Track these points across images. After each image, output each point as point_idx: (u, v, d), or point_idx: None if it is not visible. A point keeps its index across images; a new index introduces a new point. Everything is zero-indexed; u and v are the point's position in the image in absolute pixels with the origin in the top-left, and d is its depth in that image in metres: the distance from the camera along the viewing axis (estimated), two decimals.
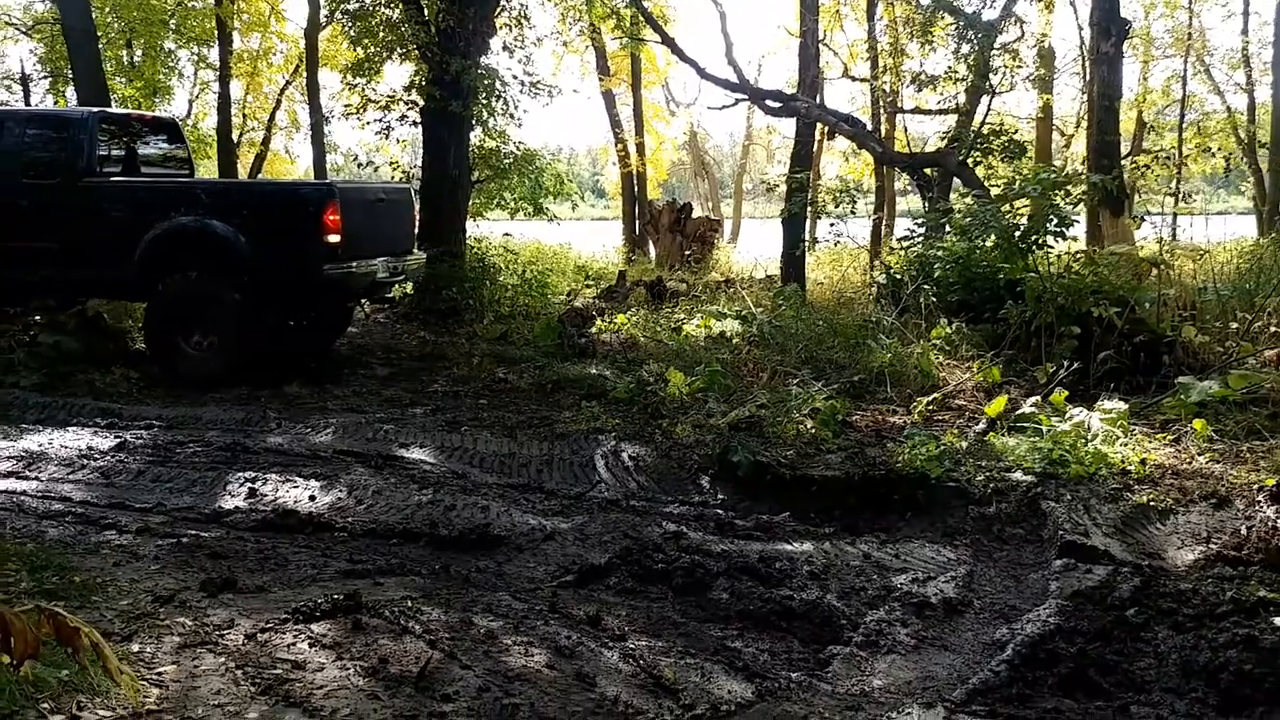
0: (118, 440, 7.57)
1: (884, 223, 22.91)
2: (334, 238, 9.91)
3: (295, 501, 6.28)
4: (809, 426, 8.11)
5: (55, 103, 21.45)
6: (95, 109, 11.73)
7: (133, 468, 6.92)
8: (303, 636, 4.08)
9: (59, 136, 10.86)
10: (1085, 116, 20.23)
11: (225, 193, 11.17)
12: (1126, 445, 7.23)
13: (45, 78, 21.91)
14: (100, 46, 18.36)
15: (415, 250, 12.26)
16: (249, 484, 6.55)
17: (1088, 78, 20.30)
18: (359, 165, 19.84)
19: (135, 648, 3.89)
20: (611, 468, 7.34)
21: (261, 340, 10.36)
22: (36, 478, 6.67)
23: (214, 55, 25.18)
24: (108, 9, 21.21)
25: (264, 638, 4.06)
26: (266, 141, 29.09)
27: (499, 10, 15.59)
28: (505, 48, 16.51)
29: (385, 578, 5.00)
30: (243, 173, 26.31)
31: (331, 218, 9.90)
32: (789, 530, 6.24)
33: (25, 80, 21.05)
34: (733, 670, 4.20)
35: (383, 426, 8.31)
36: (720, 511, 6.63)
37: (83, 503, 6.12)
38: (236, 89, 28.36)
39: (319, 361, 11.19)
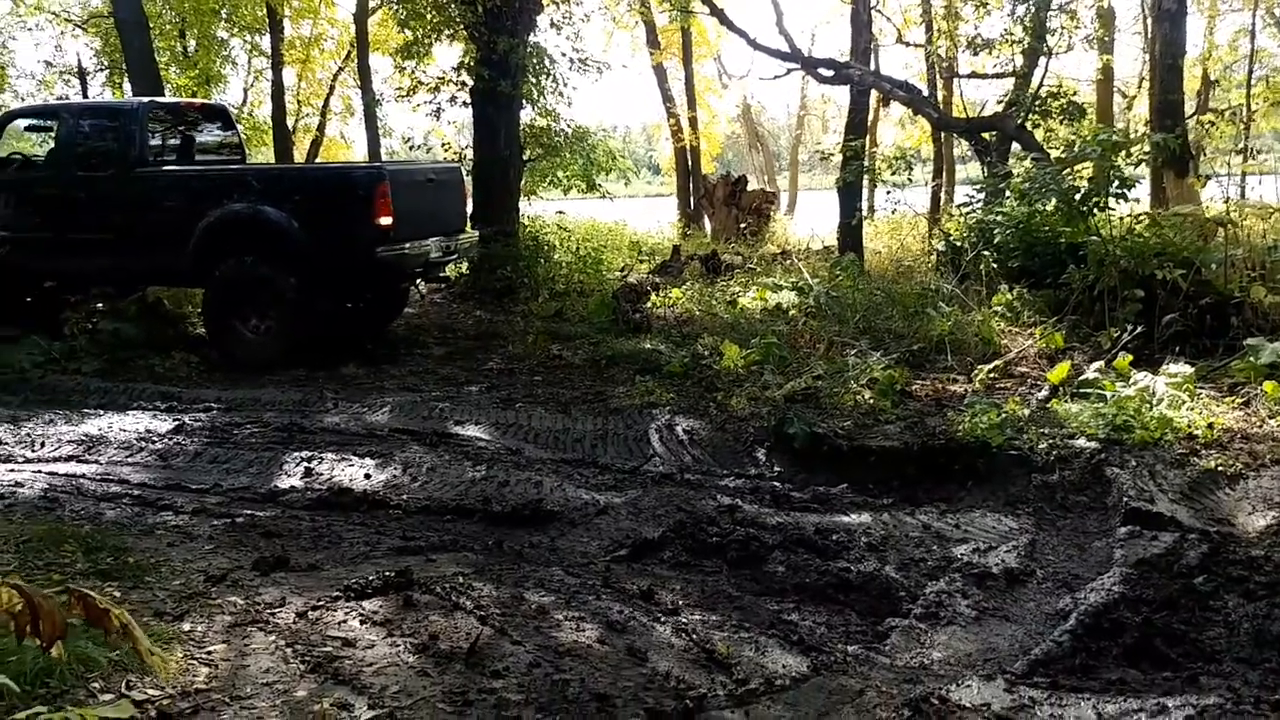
0: (176, 423, 7.63)
1: (943, 190, 22.54)
2: (385, 220, 9.92)
3: (350, 480, 6.28)
4: (867, 397, 7.99)
5: (112, 95, 21.71)
6: (145, 99, 11.86)
7: (190, 449, 6.97)
8: (354, 614, 4.06)
9: (111, 128, 11.01)
10: (1148, 76, 19.72)
11: (277, 178, 11.24)
12: (1193, 409, 7.04)
13: (102, 70, 22.17)
14: (153, 37, 18.55)
15: (468, 229, 12.25)
16: (305, 463, 6.56)
17: (1150, 36, 19.76)
18: (411, 148, 19.87)
19: (186, 627, 3.89)
20: (666, 441, 7.28)
21: (317, 323, 10.42)
22: (96, 461, 6.74)
23: (267, 43, 25.33)
24: (160, 1, 21.41)
25: (315, 615, 4.04)
26: (321, 127, 29.27)
27: None
28: (553, 24, 16.42)
29: (438, 554, 4.98)
30: (299, 159, 26.50)
31: (382, 200, 9.91)
32: (846, 502, 6.15)
33: (83, 73, 21.32)
34: (788, 644, 4.13)
35: (438, 405, 8.31)
36: (776, 484, 6.54)
37: (140, 484, 6.17)
38: (290, 76, 28.57)
39: (376, 343, 11.24)
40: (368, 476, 6.33)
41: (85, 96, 20.99)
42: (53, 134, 11.55)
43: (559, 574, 4.77)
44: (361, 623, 4.00)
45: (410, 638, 3.87)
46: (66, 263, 10.79)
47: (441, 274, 12.06)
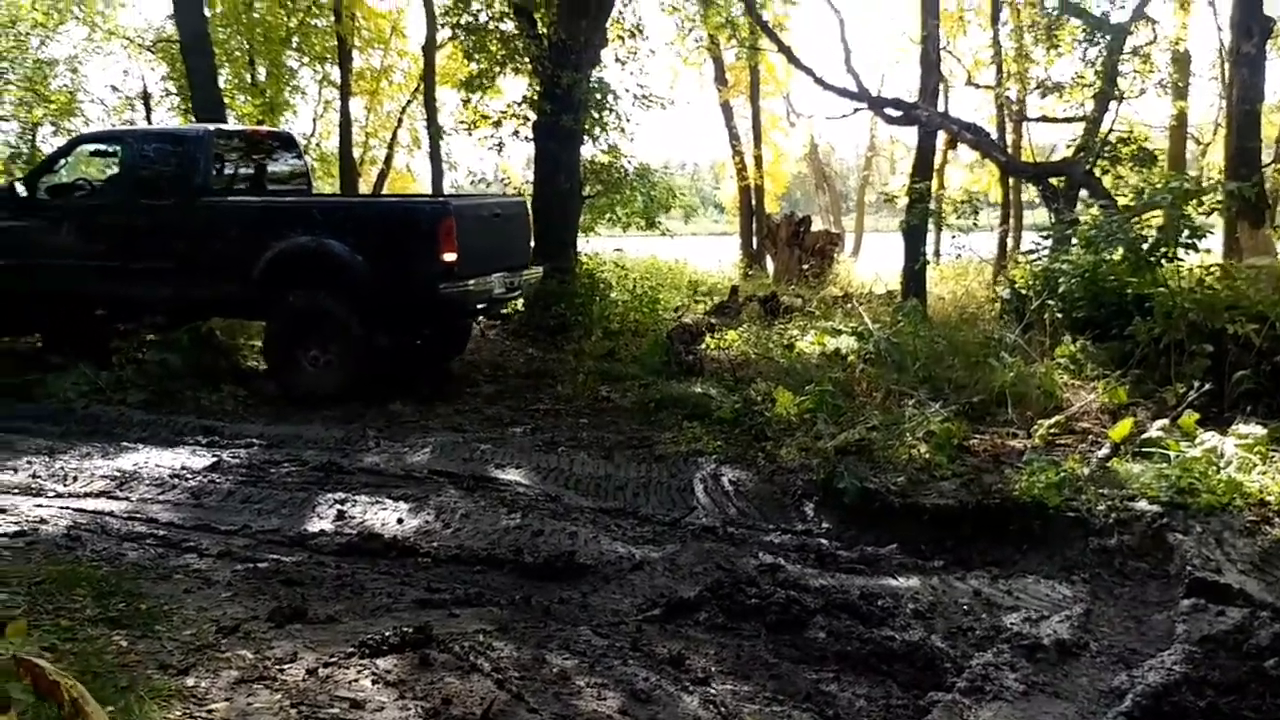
0: (213, 459, 7.54)
1: (1009, 235, 22.15)
2: (450, 255, 9.82)
3: (382, 525, 6.15)
4: (922, 451, 7.73)
5: (179, 120, 22.03)
6: (210, 126, 11.89)
7: (224, 488, 6.88)
8: (366, 672, 3.91)
9: (176, 155, 11.00)
10: (1224, 123, 19.26)
11: (343, 211, 11.19)
12: (1265, 473, 6.68)
13: (167, 96, 22.56)
14: (221, 64, 18.78)
15: (532, 265, 12.18)
16: (337, 505, 6.44)
17: (1227, 81, 19.32)
18: (472, 181, 19.92)
19: (190, 682, 3.76)
20: (710, 492, 7.07)
21: (378, 358, 10.34)
22: (126, 498, 6.67)
23: (337, 74, 25.60)
24: (228, 28, 21.72)
25: (325, 673, 3.89)
26: (388, 159, 29.48)
27: (612, 22, 15.46)
28: (617, 60, 16.39)
29: (462, 608, 4.81)
30: (365, 191, 26.69)
31: (447, 235, 9.82)
32: (895, 563, 5.89)
33: (147, 98, 21.69)
34: (822, 718, 3.90)
35: (480, 446, 8.17)
36: (823, 541, 6.31)
37: (168, 524, 6.09)
38: (358, 107, 28.84)
39: (434, 379, 11.14)
40: (400, 521, 6.19)
41: (150, 122, 21.29)
42: (117, 160, 11.55)
43: (586, 634, 4.58)
44: (373, 682, 3.84)
45: (422, 701, 3.70)
46: (124, 290, 10.76)
47: (504, 310, 11.91)
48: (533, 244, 12.82)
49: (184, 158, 10.86)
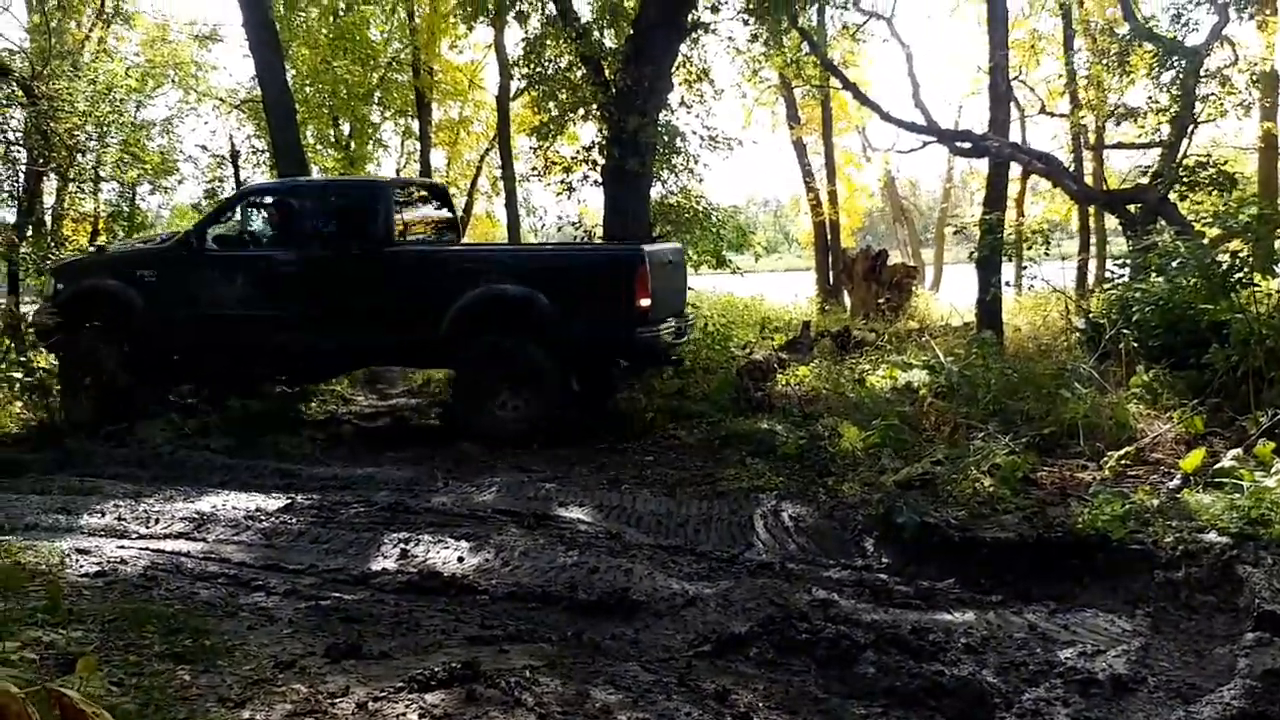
0: (286, 501, 7.73)
1: (1088, 264, 21.81)
2: (645, 301, 10.04)
3: (443, 563, 6.25)
4: (987, 484, 7.67)
5: (265, 175, 22.71)
6: (389, 178, 11.98)
7: (295, 529, 7.03)
8: (414, 707, 3.99)
9: (356, 205, 11.13)
10: None
11: (534, 258, 11.46)
12: None
13: (255, 152, 23.24)
14: (303, 120, 19.37)
15: (687, 310, 12.34)
16: (401, 545, 6.55)
17: None
18: (559, 227, 20.15)
19: (245, 714, 3.87)
20: (770, 528, 7.08)
21: (569, 403, 10.54)
22: (203, 539, 6.86)
23: (417, 125, 26.20)
24: (311, 86, 22.38)
25: (375, 707, 3.98)
26: (468, 207, 30.00)
27: (677, 67, 15.63)
28: (683, 103, 16.54)
29: (512, 644, 4.88)
30: None
31: (642, 281, 10.04)
32: (951, 598, 5.85)
33: (235, 155, 22.39)
34: None
35: (544, 485, 8.27)
36: (882, 576, 6.28)
37: (239, 564, 6.24)
38: (439, 157, 29.42)
39: (598, 420, 11.19)
40: (460, 560, 6.29)
41: (238, 179, 21.98)
42: (292, 211, 11.34)
43: (634, 669, 4.61)
44: (420, 716, 3.92)
45: None
46: (302, 341, 10.76)
47: (677, 356, 11.95)
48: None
49: (366, 208, 10.94)
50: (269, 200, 12.04)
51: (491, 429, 10.16)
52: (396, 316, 10.52)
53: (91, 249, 11.99)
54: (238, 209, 12.14)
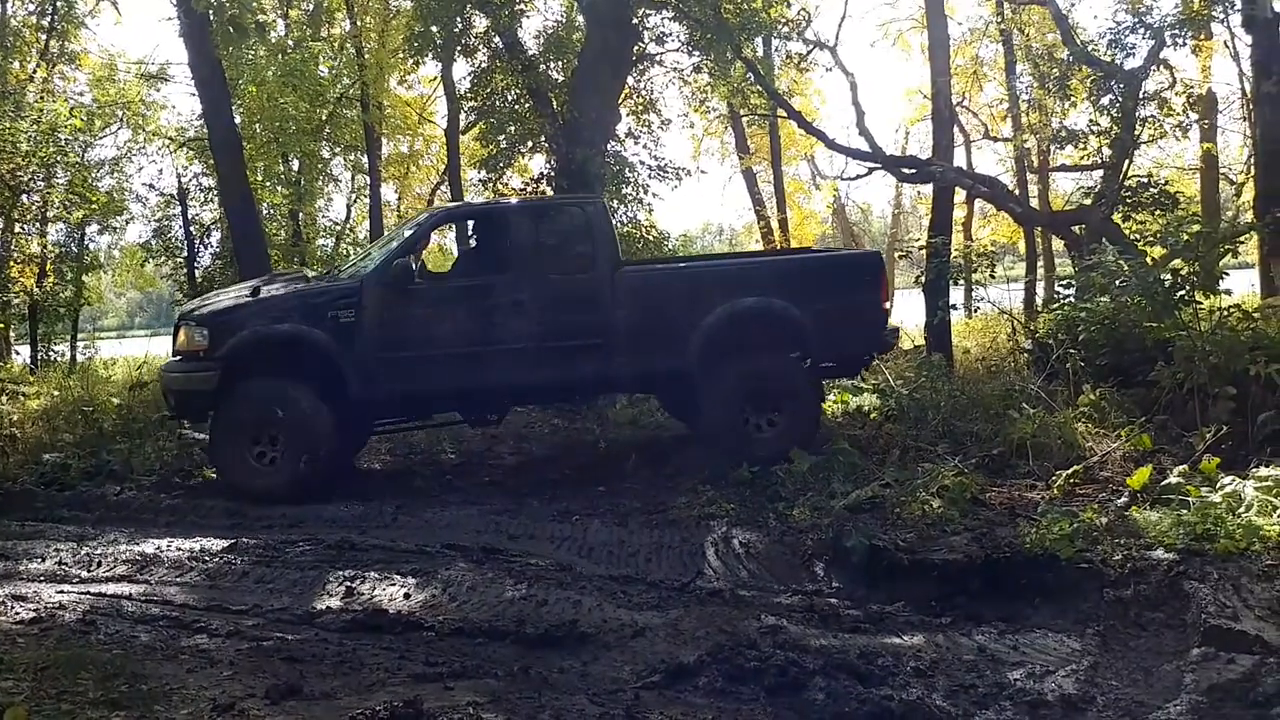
0: (231, 541, 7.56)
1: (1035, 285, 22.04)
2: (888, 303, 10.05)
3: (389, 600, 6.15)
4: (935, 506, 7.65)
5: (211, 215, 22.57)
6: (597, 198, 11.16)
7: (239, 569, 6.90)
8: None
9: (577, 226, 10.07)
10: (1253, 162, 19.13)
11: (781, 269, 11.00)
12: None
13: (204, 190, 23.02)
14: (251, 157, 19.23)
15: None
16: (347, 583, 6.44)
17: (1252, 121, 19.24)
18: None
19: None
20: (721, 555, 7.04)
21: (820, 412, 10.41)
22: (146, 580, 6.70)
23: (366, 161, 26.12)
24: (258, 123, 22.23)
25: None
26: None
27: (624, 98, 15.69)
28: (630, 134, 16.61)
29: (457, 681, 4.80)
30: None
31: (885, 283, 10.03)
32: (901, 621, 5.83)
33: (183, 193, 22.24)
34: None
35: (495, 519, 8.18)
36: (832, 601, 6.26)
37: (181, 605, 6.11)
38: (390, 191, 29.31)
39: None
40: (407, 596, 6.19)
41: (185, 216, 21.80)
42: (504, 235, 10.12)
43: (581, 703, 4.55)
44: None
45: None
46: (536, 374, 9.65)
47: None
48: None
49: (591, 229, 9.94)
50: (464, 225, 11.18)
51: (746, 451, 9.43)
52: (639, 342, 9.63)
53: (245, 291, 9.82)
54: (430, 236, 11.03)
